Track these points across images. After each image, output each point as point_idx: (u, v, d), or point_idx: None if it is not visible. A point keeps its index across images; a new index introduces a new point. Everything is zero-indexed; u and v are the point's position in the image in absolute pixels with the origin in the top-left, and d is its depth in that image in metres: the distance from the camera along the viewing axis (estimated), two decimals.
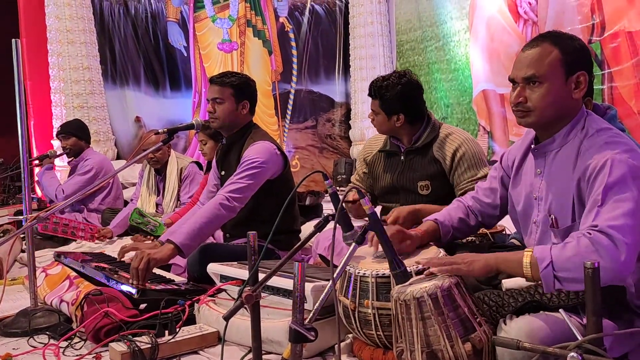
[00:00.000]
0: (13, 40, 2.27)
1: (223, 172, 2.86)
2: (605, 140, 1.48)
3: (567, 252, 1.36)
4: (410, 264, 1.61)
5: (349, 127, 7.67)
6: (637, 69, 4.83)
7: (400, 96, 2.45)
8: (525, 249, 1.44)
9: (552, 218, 1.57)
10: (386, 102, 2.47)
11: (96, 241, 3.74)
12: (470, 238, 2.12)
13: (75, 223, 3.74)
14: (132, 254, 2.66)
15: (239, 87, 2.73)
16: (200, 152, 3.83)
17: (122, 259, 2.67)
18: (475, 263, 1.49)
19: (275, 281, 1.93)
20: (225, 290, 2.20)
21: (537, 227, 1.64)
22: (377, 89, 2.49)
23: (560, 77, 1.54)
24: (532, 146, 1.66)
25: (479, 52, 6.32)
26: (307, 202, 4.19)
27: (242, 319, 1.87)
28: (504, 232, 2.37)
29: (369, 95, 2.55)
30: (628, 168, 1.40)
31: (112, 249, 3.28)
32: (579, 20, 5.24)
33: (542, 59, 1.54)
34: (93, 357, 1.91)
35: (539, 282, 1.41)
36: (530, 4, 5.75)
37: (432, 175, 2.48)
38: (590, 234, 1.35)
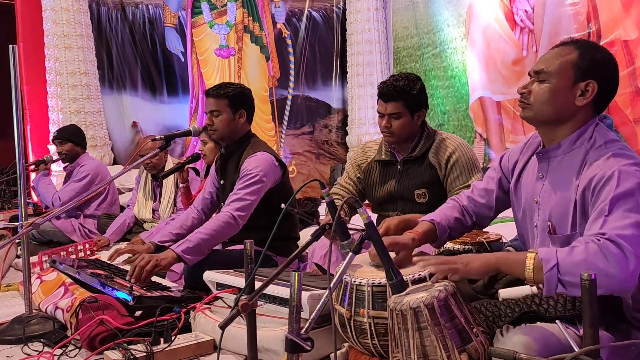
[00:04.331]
0: (10, 46, 2.27)
1: (222, 181, 2.87)
2: (613, 152, 1.47)
3: (574, 256, 1.34)
4: (406, 272, 1.61)
5: (346, 133, 7.68)
6: (633, 77, 4.85)
7: (422, 90, 2.47)
8: (529, 251, 1.43)
9: (550, 224, 1.57)
10: (412, 98, 2.43)
11: (96, 254, 3.72)
12: (467, 247, 2.12)
13: (71, 247, 3.65)
14: (124, 257, 2.66)
15: (234, 97, 2.73)
16: (200, 152, 3.81)
17: (114, 262, 2.66)
18: (472, 263, 1.47)
19: (272, 290, 1.92)
20: (221, 298, 2.19)
21: (538, 232, 1.64)
22: (400, 89, 2.42)
23: (568, 79, 1.53)
24: (539, 148, 1.67)
25: (476, 59, 6.35)
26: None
27: (238, 328, 1.86)
28: (500, 241, 2.37)
29: (387, 100, 2.45)
30: (636, 180, 1.40)
31: (107, 255, 3.26)
32: (575, 28, 5.27)
33: (557, 57, 1.56)
34: None
35: (539, 285, 1.39)
36: (526, 12, 5.77)
37: (429, 183, 2.48)
38: (599, 240, 1.34)
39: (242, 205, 2.55)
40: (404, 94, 2.42)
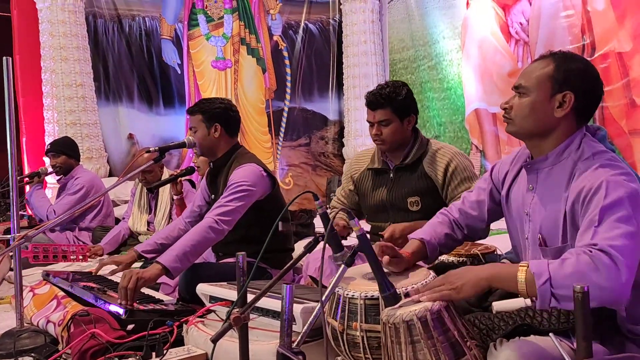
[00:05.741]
0: (4, 58, 2.27)
1: (213, 196, 2.86)
2: (601, 163, 1.47)
3: (566, 268, 1.32)
4: (399, 286, 1.60)
5: (342, 145, 7.70)
6: (627, 89, 4.88)
7: (409, 96, 2.49)
8: (520, 264, 1.40)
9: (540, 237, 1.56)
10: (400, 104, 2.45)
11: (88, 260, 3.70)
12: (461, 259, 2.11)
13: (64, 246, 3.65)
14: (110, 268, 2.64)
15: (206, 112, 2.73)
16: (194, 164, 3.81)
17: (99, 273, 2.64)
18: (464, 287, 1.43)
19: (265, 302, 1.91)
20: (214, 311, 2.17)
21: (529, 244, 1.63)
22: (386, 96, 2.45)
23: (546, 92, 1.54)
24: (527, 160, 1.67)
25: (471, 71, 6.38)
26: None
27: (231, 341, 1.84)
28: (495, 252, 2.37)
29: (375, 108, 2.49)
30: (624, 190, 1.39)
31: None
32: (569, 40, 5.30)
33: (535, 71, 1.56)
34: None
35: (533, 298, 1.38)
36: (521, 24, 5.81)
37: (422, 191, 2.48)
38: (591, 251, 1.32)
39: (225, 211, 2.52)
40: (391, 100, 2.45)
